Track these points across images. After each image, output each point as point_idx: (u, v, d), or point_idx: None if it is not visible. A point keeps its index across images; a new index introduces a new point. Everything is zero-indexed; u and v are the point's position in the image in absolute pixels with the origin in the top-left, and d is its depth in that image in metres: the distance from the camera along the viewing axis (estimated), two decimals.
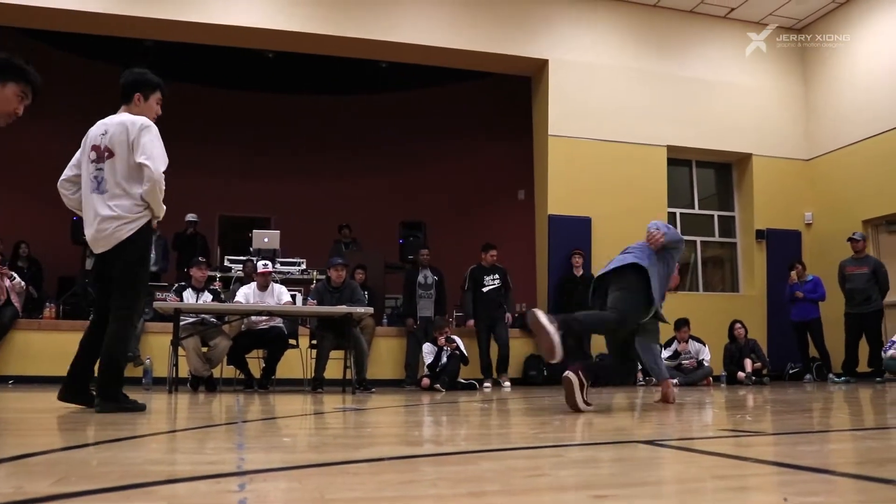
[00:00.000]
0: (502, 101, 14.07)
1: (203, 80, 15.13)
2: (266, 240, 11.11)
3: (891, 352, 8.10)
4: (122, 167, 4.42)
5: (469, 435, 3.40)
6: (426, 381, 8.82)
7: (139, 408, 4.45)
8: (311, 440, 3.19)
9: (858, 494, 1.68)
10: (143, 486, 1.67)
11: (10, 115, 3.77)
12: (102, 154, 4.46)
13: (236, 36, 10.74)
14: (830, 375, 10.42)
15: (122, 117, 4.53)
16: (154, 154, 4.39)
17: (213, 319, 8.24)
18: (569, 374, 4.42)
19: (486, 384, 9.59)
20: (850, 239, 10.23)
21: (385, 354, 10.31)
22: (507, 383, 9.76)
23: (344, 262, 9.19)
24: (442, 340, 8.96)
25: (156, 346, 9.24)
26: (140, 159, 4.35)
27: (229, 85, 15.43)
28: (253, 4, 10.57)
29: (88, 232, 4.51)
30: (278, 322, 8.62)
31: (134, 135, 4.40)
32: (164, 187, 4.42)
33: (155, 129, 4.49)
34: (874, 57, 11.52)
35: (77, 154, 4.64)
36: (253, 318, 8.39)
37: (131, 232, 4.42)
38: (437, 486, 1.73)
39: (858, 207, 11.54)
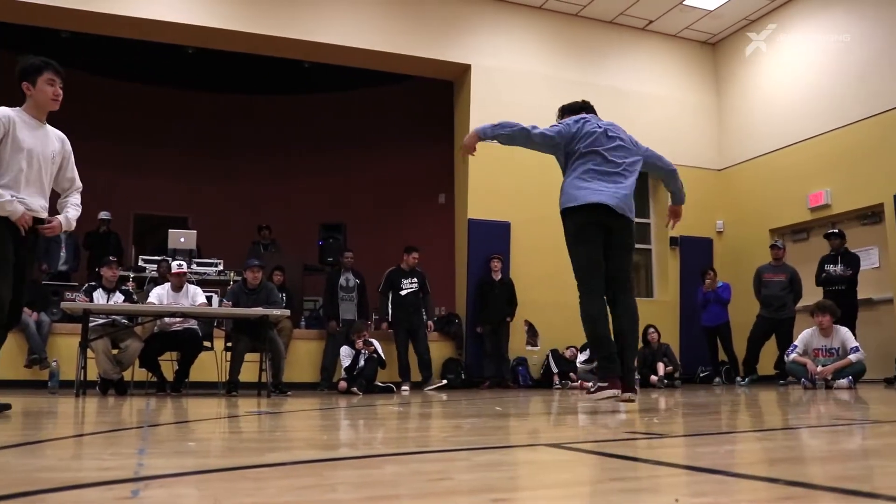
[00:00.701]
0: (424, 104, 14.10)
1: (120, 75, 14.72)
2: (182, 239, 10.88)
3: (793, 355, 8.40)
4: None
5: (381, 438, 3.39)
6: (343, 384, 8.76)
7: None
8: (219, 444, 3.13)
9: (747, 493, 1.74)
10: (30, 495, 1.60)
11: None
12: None
13: (154, 30, 10.50)
14: (738, 378, 10.76)
15: None
16: None
17: (124, 321, 8.03)
18: (631, 395, 4.58)
19: (403, 387, 9.59)
20: (772, 246, 10.58)
21: (303, 357, 10.22)
22: (443, 382, 9.94)
23: (260, 263, 9.08)
24: (360, 343, 8.91)
25: (63, 348, 8.96)
26: None
27: (147, 80, 15.04)
28: (174, 0, 10.34)
29: None
30: (192, 324, 8.45)
31: None
32: None
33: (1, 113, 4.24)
34: (782, 73, 11.99)
35: None
36: (166, 319, 8.21)
37: None
38: (336, 491, 1.72)
39: (766, 216, 11.97)
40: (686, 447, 2.84)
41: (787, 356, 8.56)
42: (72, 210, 4.60)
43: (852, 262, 9.67)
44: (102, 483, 1.77)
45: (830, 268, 9.75)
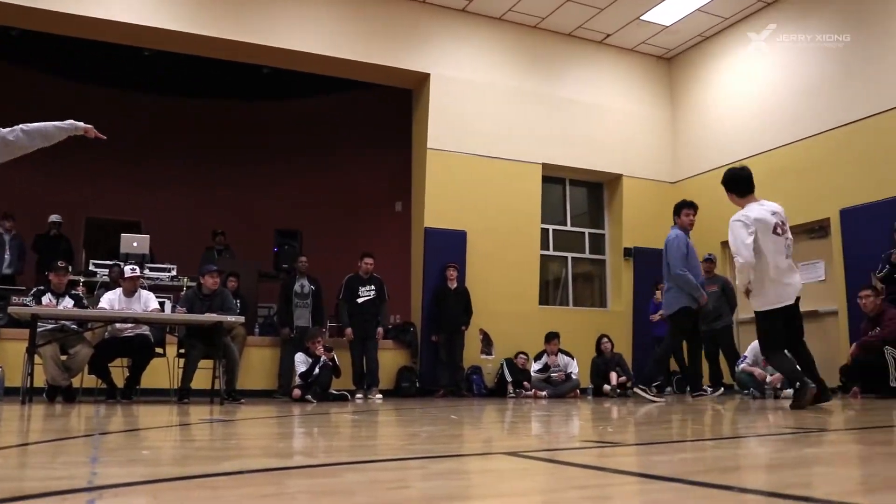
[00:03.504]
0: (382, 112, 14.09)
1: (75, 76, 14.45)
2: (135, 244, 10.70)
3: (742, 365, 8.55)
4: None
5: (338, 447, 3.38)
6: (297, 391, 8.69)
7: None
8: (173, 453, 3.09)
9: (705, 500, 1.77)
10: None
11: None
12: None
13: (110, 30, 10.31)
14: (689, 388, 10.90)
15: None
16: None
17: (73, 326, 7.87)
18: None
19: (358, 395, 9.54)
20: (705, 259, 10.74)
21: (257, 364, 10.11)
22: (379, 396, 9.73)
23: (219, 268, 8.97)
24: (320, 350, 8.84)
25: (10, 354, 8.71)
26: None
27: (102, 82, 14.78)
28: (132, 0, 10.19)
29: None
30: (144, 329, 8.32)
31: None
32: None
33: None
34: (734, 89, 12.22)
35: None
36: (118, 325, 8.06)
37: None
38: (296, 499, 1.71)
39: (719, 230, 12.12)
40: (641, 455, 2.88)
41: (737, 366, 8.71)
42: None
43: None
44: (55, 493, 1.74)
45: None
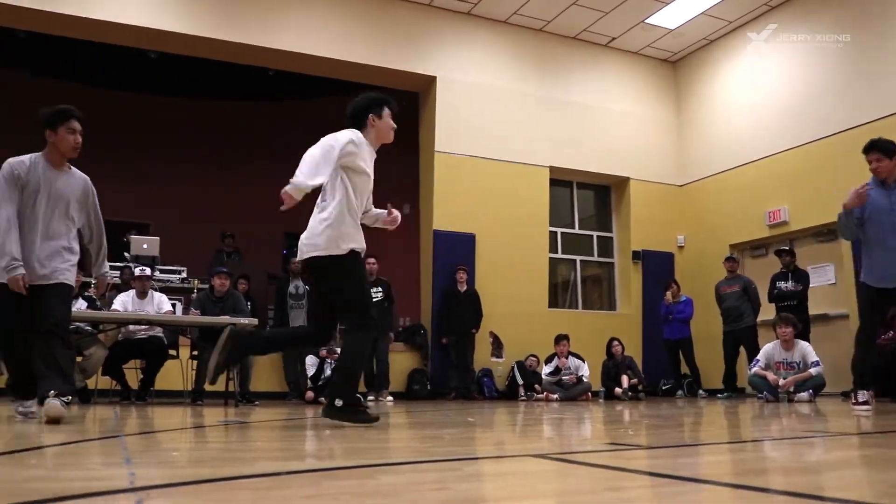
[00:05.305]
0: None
1: (83, 79, 14.50)
2: (145, 246, 10.76)
3: (755, 368, 8.56)
4: None
5: (362, 449, 3.40)
6: (310, 394, 8.72)
7: None
8: (201, 454, 3.11)
9: (737, 502, 1.79)
10: None
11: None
12: None
13: (118, 33, 10.36)
14: (700, 391, 10.92)
15: None
16: None
17: (87, 328, 7.90)
18: None
19: (369, 397, 9.56)
20: (726, 259, 10.79)
21: (268, 367, 10.14)
22: (390, 398, 9.75)
23: (227, 270, 9.03)
24: (324, 352, 8.87)
25: None
26: None
27: (110, 85, 14.83)
28: (137, 2, 10.23)
29: None
30: (158, 331, 8.36)
31: None
32: None
33: None
34: (741, 92, 12.24)
35: None
36: (131, 326, 8.10)
37: None
38: (339, 501, 1.73)
39: (726, 232, 12.19)
40: (666, 458, 2.90)
41: (750, 369, 8.72)
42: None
43: (802, 278, 9.89)
44: (103, 493, 1.77)
45: (781, 284, 9.97)
